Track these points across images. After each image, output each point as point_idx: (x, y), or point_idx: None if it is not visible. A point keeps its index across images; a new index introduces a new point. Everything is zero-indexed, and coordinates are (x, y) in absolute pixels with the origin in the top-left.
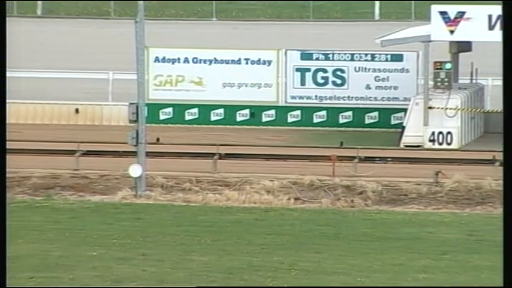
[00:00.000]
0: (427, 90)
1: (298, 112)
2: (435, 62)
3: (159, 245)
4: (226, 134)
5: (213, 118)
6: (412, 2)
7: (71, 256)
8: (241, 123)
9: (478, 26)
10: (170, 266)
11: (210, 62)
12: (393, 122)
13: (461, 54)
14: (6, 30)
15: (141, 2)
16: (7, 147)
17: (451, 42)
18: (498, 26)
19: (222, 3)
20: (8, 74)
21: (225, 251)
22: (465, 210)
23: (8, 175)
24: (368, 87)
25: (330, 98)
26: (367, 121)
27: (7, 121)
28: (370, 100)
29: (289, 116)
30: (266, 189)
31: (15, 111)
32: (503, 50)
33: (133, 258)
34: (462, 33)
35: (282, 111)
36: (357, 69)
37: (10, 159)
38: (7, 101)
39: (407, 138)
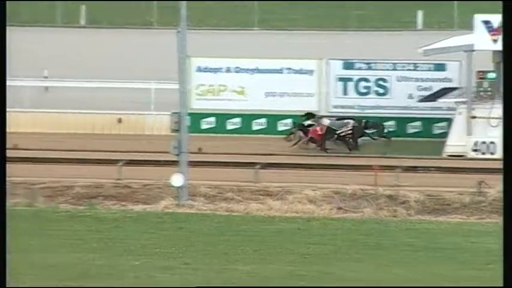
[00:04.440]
0: (470, 100)
1: None
2: (478, 72)
3: (201, 254)
4: (268, 143)
5: (255, 127)
6: (455, 11)
7: (114, 265)
8: (283, 132)
9: None
10: (212, 276)
11: (252, 71)
12: (436, 131)
13: None
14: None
15: (183, 12)
16: (51, 156)
17: (495, 52)
18: None
19: (264, 13)
20: (53, 84)
21: (267, 261)
22: None
23: (51, 184)
24: (410, 96)
25: (372, 107)
26: (409, 130)
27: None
28: (413, 110)
29: None
30: (308, 199)
31: (58, 121)
32: (504, 51)
33: (176, 268)
34: None
35: None
36: (400, 78)
37: (53, 168)
38: (50, 110)
39: (450, 148)
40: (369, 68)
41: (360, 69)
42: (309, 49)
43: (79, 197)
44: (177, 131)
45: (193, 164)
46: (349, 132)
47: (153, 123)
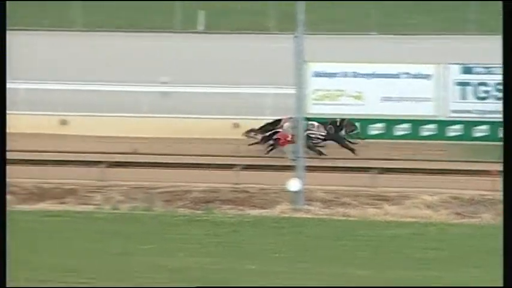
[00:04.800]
0: None
1: (458, 126)
2: None
3: (318, 259)
4: (385, 148)
5: (371, 132)
6: None
7: (230, 270)
8: (401, 137)
9: None
10: (329, 280)
11: (369, 76)
12: None
13: None
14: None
15: (301, 16)
16: (169, 161)
17: None
18: None
19: (382, 17)
20: (170, 90)
21: (383, 265)
22: None
23: (169, 189)
24: None
25: (492, 112)
26: None
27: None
28: None
29: (449, 130)
30: (425, 204)
31: (176, 126)
32: (503, 50)
33: (292, 272)
34: None
35: (442, 125)
36: None
37: (171, 173)
38: (168, 116)
39: None
40: (488, 73)
41: (478, 73)
42: (426, 53)
43: (196, 201)
44: (294, 135)
45: (310, 168)
46: (322, 135)
47: None
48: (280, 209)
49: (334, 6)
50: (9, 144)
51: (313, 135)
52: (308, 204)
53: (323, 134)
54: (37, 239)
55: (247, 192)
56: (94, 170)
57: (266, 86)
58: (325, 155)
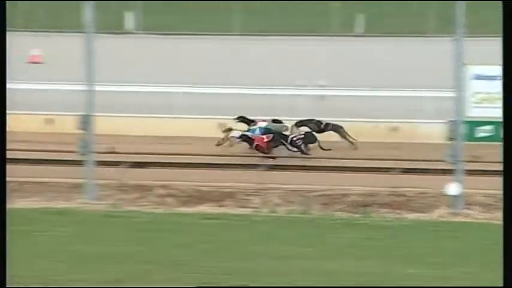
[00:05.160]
0: None
1: None
2: None
3: (478, 263)
4: None
5: None
6: None
7: (388, 273)
8: None
9: None
10: (491, 284)
11: None
12: None
13: None
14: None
15: (461, 19)
16: (330, 164)
17: None
18: None
19: None
20: (328, 93)
21: None
22: None
23: (327, 192)
24: None
25: None
26: None
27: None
28: None
29: None
30: None
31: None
32: (503, 50)
33: (453, 277)
34: None
35: None
36: None
37: (328, 176)
38: (325, 119)
39: None
40: None
41: None
42: None
43: (354, 205)
44: (452, 139)
45: (469, 172)
46: (301, 136)
47: (427, 131)
48: (439, 213)
49: (495, 7)
50: (167, 147)
51: (294, 138)
52: (467, 209)
53: (302, 134)
54: (195, 241)
55: (404, 196)
56: (252, 173)
57: (425, 89)
58: (309, 154)
